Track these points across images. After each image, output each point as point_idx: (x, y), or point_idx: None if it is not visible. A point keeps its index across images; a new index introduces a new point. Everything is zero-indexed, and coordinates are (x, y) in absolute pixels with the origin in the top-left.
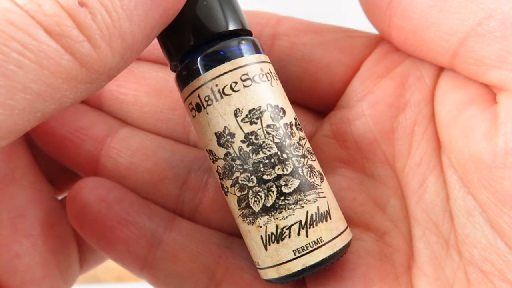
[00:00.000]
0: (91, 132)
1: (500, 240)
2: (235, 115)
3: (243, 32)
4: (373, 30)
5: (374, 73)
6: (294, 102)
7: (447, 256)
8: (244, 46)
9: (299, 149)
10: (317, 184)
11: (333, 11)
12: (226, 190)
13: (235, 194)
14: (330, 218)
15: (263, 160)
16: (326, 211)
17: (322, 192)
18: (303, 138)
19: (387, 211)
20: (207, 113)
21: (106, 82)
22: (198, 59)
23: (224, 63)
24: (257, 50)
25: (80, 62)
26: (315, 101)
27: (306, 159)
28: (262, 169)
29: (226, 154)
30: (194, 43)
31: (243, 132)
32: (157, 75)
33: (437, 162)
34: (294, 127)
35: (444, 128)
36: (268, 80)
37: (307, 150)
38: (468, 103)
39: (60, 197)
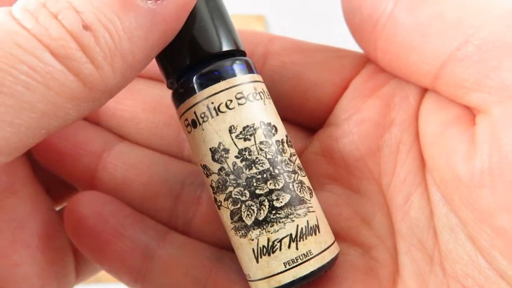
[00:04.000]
0: (88, 147)
1: (480, 256)
2: (230, 131)
3: (237, 53)
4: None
5: (361, 92)
6: (285, 119)
7: (431, 271)
8: (238, 66)
9: (290, 165)
10: (306, 199)
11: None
12: (219, 204)
13: (228, 208)
14: (319, 232)
15: (256, 175)
16: (315, 225)
17: (311, 207)
18: (294, 155)
19: (373, 227)
20: (203, 129)
21: (107, 100)
22: (194, 77)
23: (219, 81)
24: (250, 70)
25: (84, 82)
26: (305, 118)
27: (296, 175)
28: (255, 184)
29: (220, 169)
30: (191, 62)
31: (237, 148)
32: (153, 92)
33: (422, 180)
34: (285, 144)
35: (428, 147)
36: (262, 99)
37: (298, 166)
38: (449, 124)
39: (57, 208)
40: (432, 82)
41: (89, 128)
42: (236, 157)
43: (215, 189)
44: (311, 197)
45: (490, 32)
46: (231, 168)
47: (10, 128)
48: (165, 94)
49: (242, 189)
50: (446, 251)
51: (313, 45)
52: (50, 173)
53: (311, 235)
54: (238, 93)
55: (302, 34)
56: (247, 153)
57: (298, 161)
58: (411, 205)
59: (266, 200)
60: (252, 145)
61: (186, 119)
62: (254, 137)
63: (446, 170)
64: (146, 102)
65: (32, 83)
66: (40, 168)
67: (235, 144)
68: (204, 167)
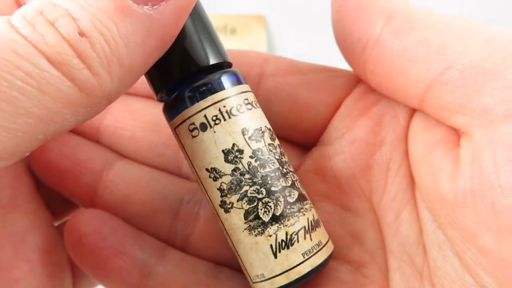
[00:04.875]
0: (89, 165)
1: (467, 274)
2: (243, 133)
3: (230, 65)
4: None
5: (353, 112)
6: (280, 137)
7: (420, 287)
8: (239, 76)
9: (290, 166)
10: (307, 196)
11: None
12: (229, 206)
13: (242, 208)
14: (321, 224)
15: (270, 174)
16: (317, 218)
17: (311, 203)
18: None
19: (365, 244)
20: (214, 132)
21: (105, 106)
22: (204, 83)
23: (230, 87)
24: (245, 81)
25: (80, 88)
26: (299, 137)
27: (296, 174)
28: (269, 182)
29: (235, 170)
30: (192, 72)
31: (251, 148)
32: (152, 112)
33: (411, 197)
34: (282, 148)
35: (416, 166)
36: (259, 107)
37: (293, 168)
38: (435, 144)
39: (56, 224)
40: (419, 104)
41: (89, 146)
42: (251, 157)
43: (226, 191)
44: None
45: (472, 58)
46: (247, 167)
47: (6, 133)
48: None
49: (258, 187)
50: (434, 267)
51: (307, 65)
52: (51, 188)
53: (318, 226)
54: (245, 99)
55: (302, 34)
56: (260, 153)
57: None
58: (401, 222)
59: (281, 196)
60: (263, 146)
61: (192, 123)
62: (264, 139)
63: (433, 189)
64: (145, 122)
65: (27, 89)
66: (41, 183)
67: (249, 145)
68: (213, 170)
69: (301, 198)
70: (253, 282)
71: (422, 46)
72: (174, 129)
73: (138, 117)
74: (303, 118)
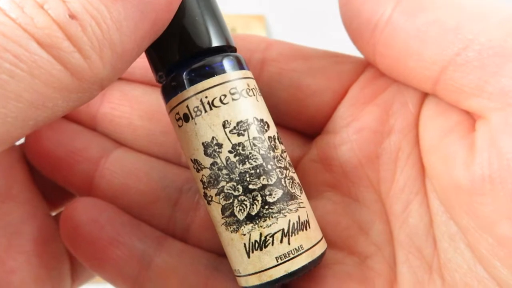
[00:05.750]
0: (86, 153)
1: (479, 266)
2: (224, 126)
3: (228, 49)
4: None
5: (360, 99)
6: (283, 125)
7: (429, 280)
8: (230, 62)
9: (282, 161)
10: (298, 195)
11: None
12: (209, 199)
13: (219, 203)
14: (309, 227)
15: (249, 170)
16: (306, 220)
17: (302, 203)
18: (284, 152)
19: (371, 235)
20: (195, 123)
21: (98, 91)
22: (186, 72)
23: (213, 76)
24: (241, 66)
25: (71, 72)
26: (303, 125)
27: (287, 171)
28: (248, 179)
29: (213, 164)
30: (182, 56)
31: (231, 143)
32: (150, 99)
33: (421, 188)
34: (277, 141)
35: (427, 154)
36: (254, 95)
37: (288, 163)
38: (449, 130)
39: (54, 214)
40: (432, 87)
41: (86, 134)
42: (230, 152)
43: (206, 184)
44: (301, 193)
45: (490, 37)
46: (224, 163)
47: None
48: (162, 101)
49: (235, 184)
50: (445, 259)
51: (311, 50)
52: (47, 178)
53: (302, 230)
54: (232, 88)
55: (302, 34)
56: (240, 148)
57: (288, 158)
58: (410, 213)
59: (259, 195)
60: (245, 140)
61: (178, 113)
62: (248, 133)
63: (446, 177)
64: (143, 109)
65: (17, 72)
66: (37, 172)
67: (229, 139)
68: (195, 161)
69: (285, 198)
70: (235, 275)
71: (436, 26)
72: (169, 113)
73: (135, 105)
74: (307, 106)
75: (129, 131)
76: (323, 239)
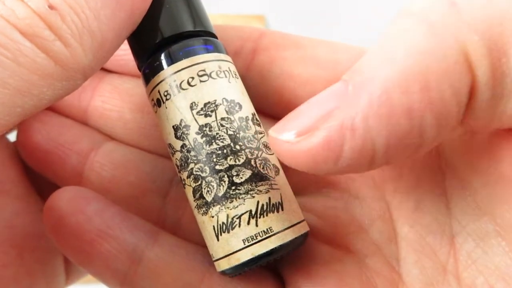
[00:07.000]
0: (76, 146)
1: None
2: (191, 108)
3: (204, 34)
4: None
5: None
6: (275, 116)
7: (444, 281)
8: (203, 46)
9: (254, 142)
10: (270, 176)
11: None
12: (183, 182)
13: (190, 186)
14: (282, 210)
15: (216, 151)
16: (278, 202)
17: (275, 184)
18: (260, 133)
19: (371, 234)
20: (166, 107)
21: (82, 80)
22: (160, 56)
23: (182, 60)
24: (217, 50)
25: (54, 60)
26: None
27: (260, 152)
28: (214, 160)
29: (182, 146)
30: (156, 42)
31: (198, 124)
32: (141, 92)
33: (438, 184)
34: (250, 121)
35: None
36: (226, 77)
37: (263, 144)
38: None
39: None
40: None
41: (76, 127)
42: (197, 133)
43: (179, 167)
44: (276, 175)
45: None
46: (192, 144)
47: None
48: None
49: (202, 165)
50: (466, 260)
51: (305, 39)
52: (40, 174)
53: (273, 212)
54: (201, 70)
55: (302, 34)
56: (207, 129)
57: (264, 139)
58: (423, 209)
59: (225, 176)
60: (213, 121)
61: (152, 99)
62: (216, 113)
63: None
64: (134, 103)
65: (2, 59)
66: (30, 169)
67: (196, 121)
68: (169, 146)
69: (254, 179)
70: (212, 260)
71: None
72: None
73: (126, 98)
74: (298, 96)
75: (120, 125)
76: (303, 223)
